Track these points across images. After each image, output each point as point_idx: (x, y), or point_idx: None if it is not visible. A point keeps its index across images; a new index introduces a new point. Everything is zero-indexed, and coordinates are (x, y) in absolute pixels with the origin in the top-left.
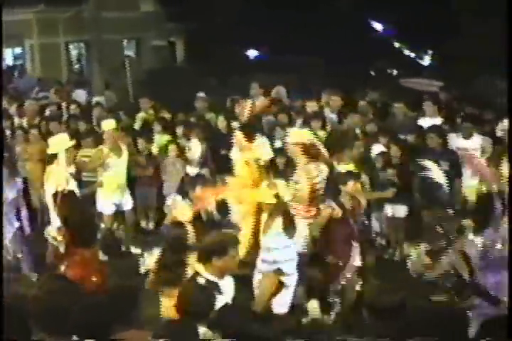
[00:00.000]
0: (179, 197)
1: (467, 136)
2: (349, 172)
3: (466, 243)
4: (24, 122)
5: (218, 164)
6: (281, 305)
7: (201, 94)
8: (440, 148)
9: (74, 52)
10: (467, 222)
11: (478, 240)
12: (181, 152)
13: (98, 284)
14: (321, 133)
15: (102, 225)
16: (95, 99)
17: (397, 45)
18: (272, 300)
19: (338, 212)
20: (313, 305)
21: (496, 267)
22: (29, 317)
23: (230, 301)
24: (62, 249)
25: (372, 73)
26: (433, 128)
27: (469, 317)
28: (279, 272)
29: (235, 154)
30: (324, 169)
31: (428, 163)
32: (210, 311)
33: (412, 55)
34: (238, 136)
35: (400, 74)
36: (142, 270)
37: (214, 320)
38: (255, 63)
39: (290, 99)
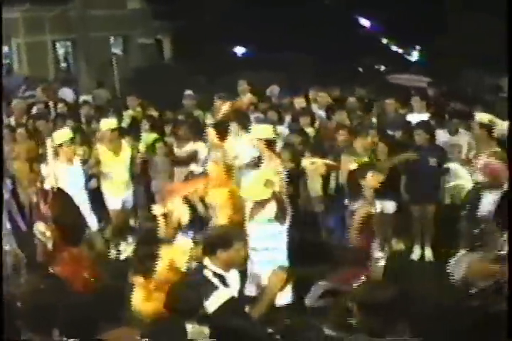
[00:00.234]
0: None
1: (453, 132)
2: (365, 165)
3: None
4: (12, 121)
5: None
6: (283, 297)
7: (189, 92)
8: (427, 144)
9: (61, 51)
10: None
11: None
12: (169, 150)
13: (87, 282)
14: (310, 130)
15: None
16: (83, 98)
17: (384, 41)
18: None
19: (373, 208)
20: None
21: None
22: (18, 316)
23: (236, 294)
24: (50, 246)
25: (360, 69)
26: (420, 124)
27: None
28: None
29: (203, 151)
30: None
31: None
32: (200, 308)
33: (400, 51)
34: (210, 134)
35: (388, 71)
36: (121, 257)
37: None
38: (243, 60)
39: (278, 96)
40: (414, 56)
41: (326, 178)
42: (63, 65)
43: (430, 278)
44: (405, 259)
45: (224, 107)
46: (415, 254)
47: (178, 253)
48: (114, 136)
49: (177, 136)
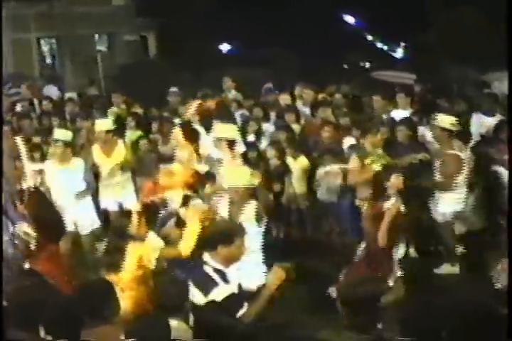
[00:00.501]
0: None
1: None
2: (387, 167)
3: None
4: None
5: None
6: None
7: (174, 89)
8: (409, 141)
9: (45, 48)
10: None
11: None
12: (154, 147)
13: (67, 280)
14: (295, 127)
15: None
16: (67, 95)
17: (369, 38)
18: None
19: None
20: None
21: None
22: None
23: (236, 291)
24: (32, 245)
25: (345, 66)
26: (402, 120)
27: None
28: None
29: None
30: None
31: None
32: (183, 304)
33: (385, 47)
34: (177, 133)
35: (372, 67)
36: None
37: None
38: (228, 57)
39: (264, 93)
40: (399, 53)
41: (310, 176)
42: (48, 62)
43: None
44: None
45: (191, 107)
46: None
47: (147, 250)
48: (108, 138)
49: (163, 133)
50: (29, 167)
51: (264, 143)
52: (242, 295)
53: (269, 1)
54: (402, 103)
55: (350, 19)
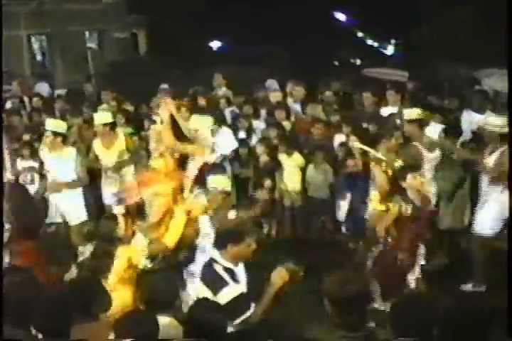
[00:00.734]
0: None
1: (425, 125)
2: (405, 167)
3: None
4: None
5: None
6: None
7: (164, 86)
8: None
9: (36, 45)
10: None
11: None
12: (146, 144)
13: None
14: (286, 124)
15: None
16: (57, 92)
17: (360, 35)
18: None
19: (407, 209)
20: None
21: None
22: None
23: (245, 290)
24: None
25: (336, 63)
26: (391, 116)
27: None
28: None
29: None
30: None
31: None
32: (174, 301)
33: (376, 44)
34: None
35: (363, 64)
36: (78, 260)
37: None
38: (218, 54)
39: (254, 89)
40: (390, 50)
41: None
42: (38, 59)
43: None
44: None
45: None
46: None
47: (135, 251)
48: (106, 131)
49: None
50: (19, 164)
51: (254, 140)
52: (249, 296)
53: None
54: (392, 100)
55: (341, 16)
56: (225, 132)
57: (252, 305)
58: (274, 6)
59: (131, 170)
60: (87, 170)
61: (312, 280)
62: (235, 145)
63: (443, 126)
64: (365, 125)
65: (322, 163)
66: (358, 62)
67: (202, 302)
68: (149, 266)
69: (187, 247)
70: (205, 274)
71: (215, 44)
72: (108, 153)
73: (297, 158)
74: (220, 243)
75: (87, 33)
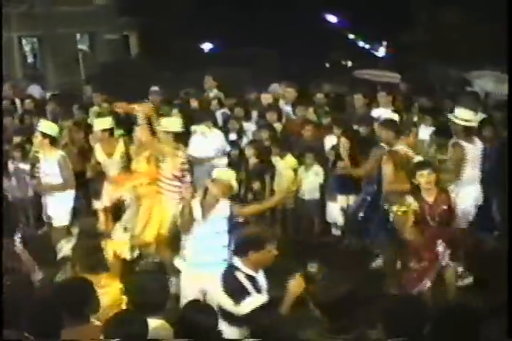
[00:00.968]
0: None
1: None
2: (420, 163)
3: None
4: None
5: None
6: None
7: (155, 88)
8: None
9: (27, 48)
10: None
11: None
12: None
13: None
14: (277, 125)
15: None
16: (49, 94)
17: (351, 36)
18: None
19: (414, 207)
20: None
21: None
22: None
23: (266, 300)
24: None
25: (327, 65)
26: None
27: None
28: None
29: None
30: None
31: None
32: (165, 303)
33: (367, 46)
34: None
35: (354, 66)
36: (58, 257)
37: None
38: (210, 56)
39: (245, 91)
40: (381, 51)
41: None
42: (29, 61)
43: None
44: None
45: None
46: None
47: (119, 244)
48: (104, 136)
49: None
50: (10, 166)
51: (245, 142)
52: (270, 305)
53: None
54: (383, 102)
55: (332, 18)
56: (217, 135)
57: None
58: (265, 8)
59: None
60: (94, 174)
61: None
62: (226, 148)
63: (433, 128)
64: (355, 127)
65: (312, 164)
66: (349, 64)
67: (193, 304)
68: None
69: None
70: (226, 282)
71: (207, 46)
72: (110, 161)
73: (290, 160)
74: (240, 250)
75: (78, 35)
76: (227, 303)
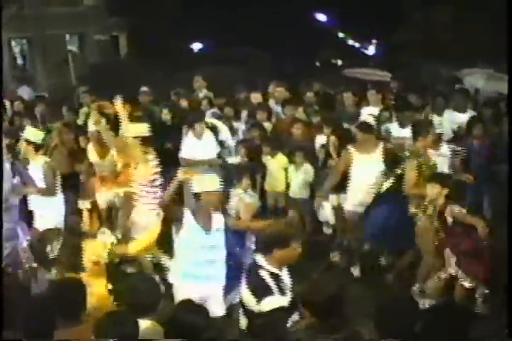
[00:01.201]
0: None
1: (403, 125)
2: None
3: None
4: None
5: (162, 158)
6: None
7: (144, 88)
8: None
9: (16, 49)
10: None
11: None
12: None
13: None
14: (267, 125)
15: None
16: (38, 95)
17: (341, 35)
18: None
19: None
20: None
21: None
22: None
23: (287, 303)
24: None
25: (317, 64)
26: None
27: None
28: None
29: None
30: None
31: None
32: (157, 304)
33: (357, 45)
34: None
35: (344, 65)
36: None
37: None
38: (200, 56)
39: (235, 91)
40: (371, 50)
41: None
42: (19, 62)
43: None
44: None
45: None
46: None
47: (98, 246)
48: (99, 138)
49: None
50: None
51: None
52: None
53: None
54: (373, 100)
55: (322, 17)
56: (208, 136)
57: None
58: (255, 8)
59: None
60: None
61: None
62: (217, 150)
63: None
64: (345, 125)
65: (302, 163)
66: (340, 62)
67: (184, 303)
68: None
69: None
70: (250, 280)
71: (196, 46)
72: (101, 162)
73: (281, 159)
74: (265, 248)
75: (67, 36)
76: (251, 301)
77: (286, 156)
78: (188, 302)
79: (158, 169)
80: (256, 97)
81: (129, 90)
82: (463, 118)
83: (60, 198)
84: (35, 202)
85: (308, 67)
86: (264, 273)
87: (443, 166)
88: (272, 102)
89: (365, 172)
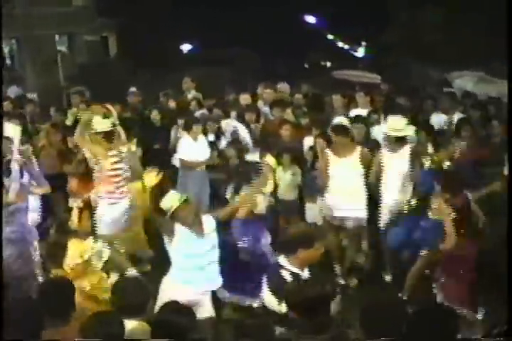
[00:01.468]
0: None
1: None
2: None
3: None
4: None
5: (150, 159)
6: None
7: (133, 89)
8: (364, 139)
9: (6, 49)
10: None
11: None
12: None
13: None
14: (256, 126)
15: None
16: (28, 96)
17: (330, 37)
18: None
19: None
20: None
21: None
22: None
23: None
24: None
25: (306, 65)
26: (358, 118)
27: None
28: None
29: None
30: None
31: None
32: (145, 305)
33: (346, 46)
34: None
35: (334, 67)
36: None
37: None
38: (189, 57)
39: (224, 92)
40: (360, 52)
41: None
42: (8, 63)
43: None
44: None
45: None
46: None
47: (84, 246)
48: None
49: None
50: None
51: (223, 143)
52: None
53: (230, 0)
54: (361, 102)
55: (311, 19)
56: (203, 138)
57: None
58: (245, 9)
59: None
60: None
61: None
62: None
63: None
64: None
65: (290, 164)
66: (328, 64)
67: (170, 304)
68: (98, 265)
69: None
70: (271, 281)
71: (185, 47)
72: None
73: (270, 160)
74: (289, 248)
75: (57, 36)
76: (272, 302)
77: (275, 157)
78: (173, 304)
79: (120, 165)
80: (245, 98)
81: (119, 90)
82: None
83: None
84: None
85: (297, 69)
86: (285, 274)
87: None
88: (260, 103)
89: (343, 176)
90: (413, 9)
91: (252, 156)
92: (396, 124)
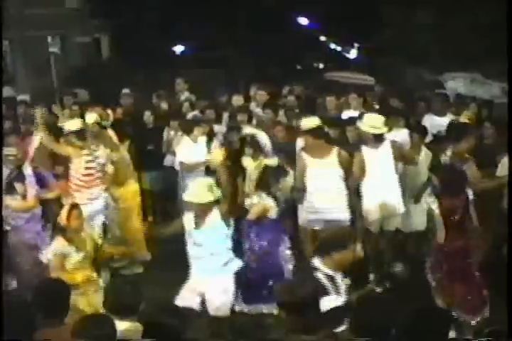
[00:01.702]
0: None
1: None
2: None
3: None
4: None
5: (144, 159)
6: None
7: (126, 91)
8: (357, 141)
9: None
10: None
11: None
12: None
13: None
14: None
15: None
16: (20, 97)
17: (322, 38)
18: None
19: None
20: None
21: None
22: None
23: (343, 298)
24: None
25: (299, 67)
26: (350, 120)
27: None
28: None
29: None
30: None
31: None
32: (138, 306)
33: (338, 48)
34: (111, 135)
35: (326, 68)
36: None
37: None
38: (182, 59)
39: (216, 94)
40: (353, 53)
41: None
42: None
43: None
44: None
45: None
46: None
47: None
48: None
49: None
50: None
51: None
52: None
53: (222, 2)
54: (354, 104)
55: (303, 21)
56: (202, 139)
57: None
58: (237, 10)
59: None
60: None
61: None
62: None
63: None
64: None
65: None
66: (321, 66)
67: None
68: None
69: None
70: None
71: (178, 48)
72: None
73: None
74: (324, 250)
75: (49, 38)
76: None
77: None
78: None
79: (93, 164)
80: (237, 100)
81: (111, 92)
82: (442, 122)
83: None
84: None
85: (289, 70)
86: (320, 275)
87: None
88: (253, 105)
89: (320, 177)
90: (406, 10)
91: (271, 161)
92: (374, 122)
